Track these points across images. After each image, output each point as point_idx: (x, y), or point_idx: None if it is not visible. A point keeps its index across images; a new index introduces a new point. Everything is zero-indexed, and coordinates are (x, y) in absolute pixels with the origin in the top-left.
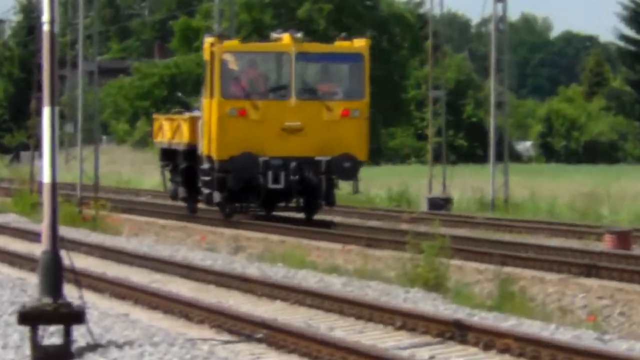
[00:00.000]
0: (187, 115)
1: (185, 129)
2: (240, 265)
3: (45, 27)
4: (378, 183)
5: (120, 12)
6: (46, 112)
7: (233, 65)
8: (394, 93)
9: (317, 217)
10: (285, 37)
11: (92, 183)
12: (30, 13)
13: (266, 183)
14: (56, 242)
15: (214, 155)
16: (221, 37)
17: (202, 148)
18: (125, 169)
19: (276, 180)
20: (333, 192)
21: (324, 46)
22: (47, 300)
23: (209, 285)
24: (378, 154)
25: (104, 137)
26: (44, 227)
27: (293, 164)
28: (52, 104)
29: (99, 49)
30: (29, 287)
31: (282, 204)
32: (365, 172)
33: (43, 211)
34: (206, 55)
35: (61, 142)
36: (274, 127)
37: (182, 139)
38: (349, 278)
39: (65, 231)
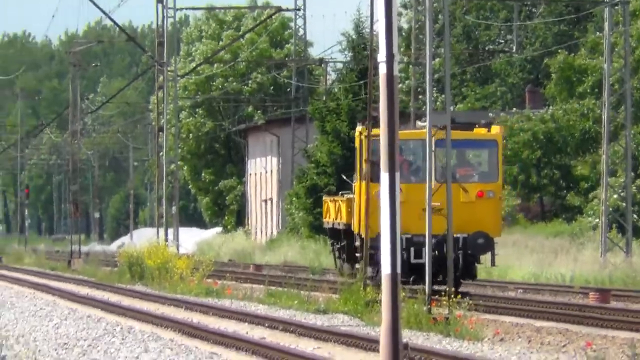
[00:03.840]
0: (345, 197)
1: (343, 209)
2: None
3: (383, 68)
4: None
5: (480, 47)
6: (384, 180)
7: (379, 151)
8: None
9: None
10: None
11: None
12: (361, 50)
13: (409, 258)
14: (398, 352)
15: (363, 233)
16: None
17: (354, 226)
18: (486, 255)
19: (418, 255)
20: (473, 266)
21: (462, 133)
22: None
23: None
24: None
25: None
26: (382, 333)
27: (433, 241)
28: (393, 169)
29: (453, 97)
30: None
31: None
32: None
33: (381, 311)
34: (356, 143)
35: None
36: (416, 207)
37: (342, 219)
38: None
39: (409, 336)
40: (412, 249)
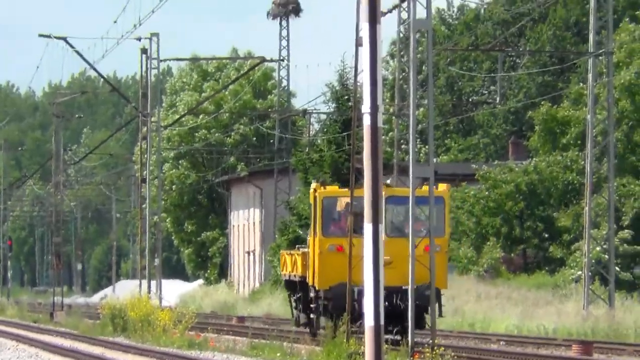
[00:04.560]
0: (300, 251)
1: (299, 262)
2: None
3: (367, 120)
4: None
5: (463, 98)
6: (367, 230)
7: (332, 207)
8: None
9: None
10: None
11: (428, 326)
12: (345, 102)
13: (360, 309)
14: None
15: (316, 285)
16: (323, 183)
17: (308, 278)
18: (469, 307)
19: None
20: (422, 316)
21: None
22: None
23: None
24: None
25: None
26: None
27: (385, 293)
28: (376, 220)
29: (436, 148)
30: None
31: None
32: None
33: None
34: (311, 199)
35: None
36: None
37: (297, 272)
38: None
39: None
40: (363, 300)
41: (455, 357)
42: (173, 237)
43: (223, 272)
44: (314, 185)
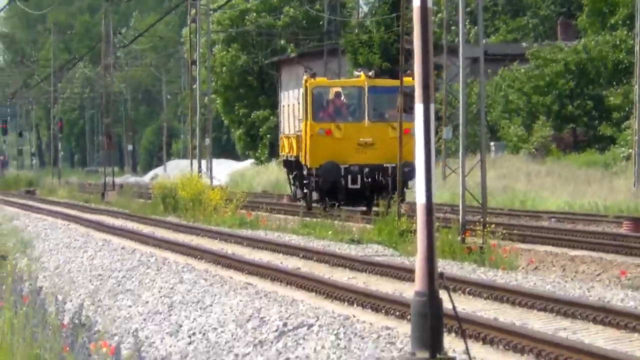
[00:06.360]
0: (294, 134)
1: (294, 144)
2: None
3: (416, 1)
4: None
5: None
6: (419, 111)
7: (321, 96)
8: None
9: None
10: (362, 75)
11: (478, 203)
12: None
13: (346, 184)
14: (433, 280)
15: (308, 164)
16: (313, 75)
17: (301, 158)
18: (520, 186)
19: (354, 182)
20: (402, 190)
21: (390, 81)
22: (422, 355)
23: (631, 333)
24: None
25: (493, 144)
26: (417, 262)
27: (366, 170)
28: (427, 100)
29: (485, 29)
30: (398, 338)
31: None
32: None
33: (416, 241)
34: (303, 89)
35: (436, 151)
36: (352, 142)
37: (293, 152)
38: None
39: (444, 266)
40: (349, 177)
41: (507, 233)
42: (223, 118)
43: (273, 151)
44: (305, 76)
